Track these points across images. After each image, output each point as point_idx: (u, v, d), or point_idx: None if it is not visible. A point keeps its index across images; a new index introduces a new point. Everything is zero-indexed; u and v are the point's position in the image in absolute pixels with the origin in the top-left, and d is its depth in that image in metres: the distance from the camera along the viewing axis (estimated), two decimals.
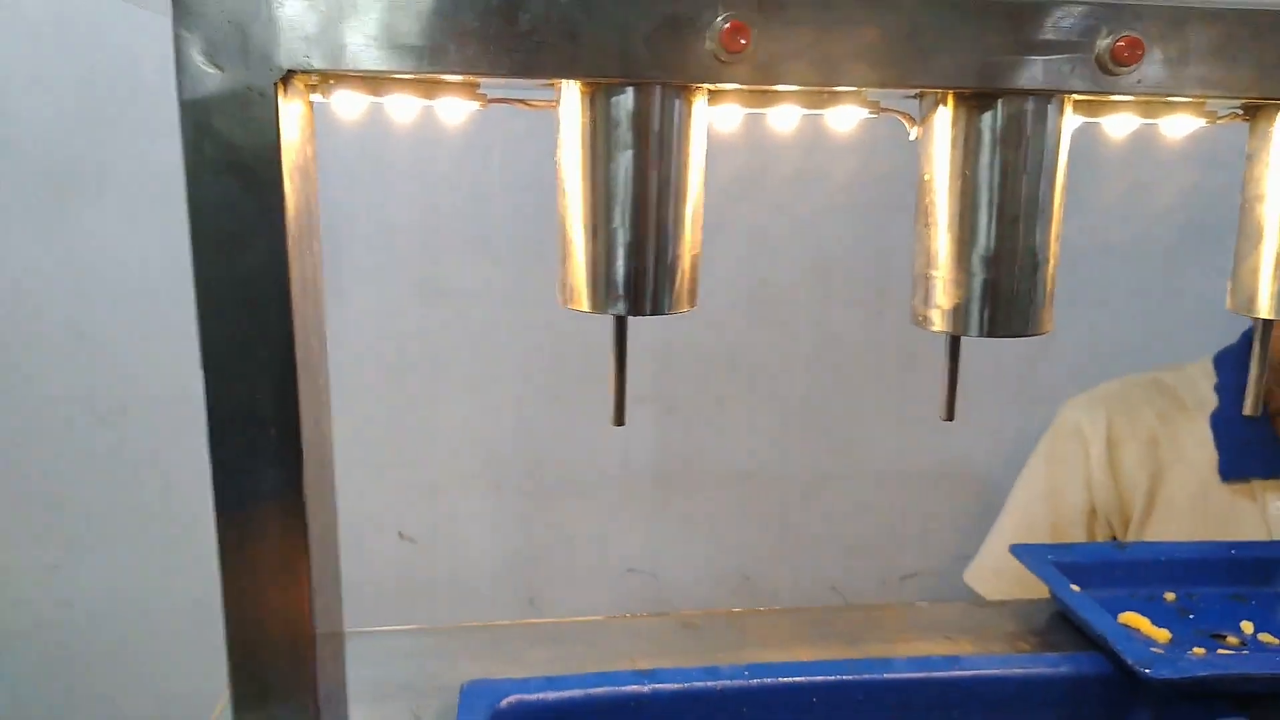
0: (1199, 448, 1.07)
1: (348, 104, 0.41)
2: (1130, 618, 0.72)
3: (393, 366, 1.31)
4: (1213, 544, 0.82)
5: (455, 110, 0.43)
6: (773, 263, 1.34)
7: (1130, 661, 0.63)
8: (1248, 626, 0.73)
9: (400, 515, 1.35)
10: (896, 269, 1.39)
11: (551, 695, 0.63)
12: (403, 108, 0.42)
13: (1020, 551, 0.79)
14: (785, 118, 0.44)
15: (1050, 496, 1.15)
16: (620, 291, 0.41)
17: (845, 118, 0.45)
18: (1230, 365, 1.11)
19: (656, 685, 0.64)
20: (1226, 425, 1.06)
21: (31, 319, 1.25)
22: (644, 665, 0.68)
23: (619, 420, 0.46)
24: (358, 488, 1.33)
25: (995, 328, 0.44)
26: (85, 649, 1.35)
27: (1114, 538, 1.12)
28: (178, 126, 0.40)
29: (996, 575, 1.16)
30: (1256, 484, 1.04)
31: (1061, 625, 0.75)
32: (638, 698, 0.64)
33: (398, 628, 0.73)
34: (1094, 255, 1.39)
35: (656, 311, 0.42)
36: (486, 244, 1.29)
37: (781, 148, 1.27)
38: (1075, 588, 0.73)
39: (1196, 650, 0.69)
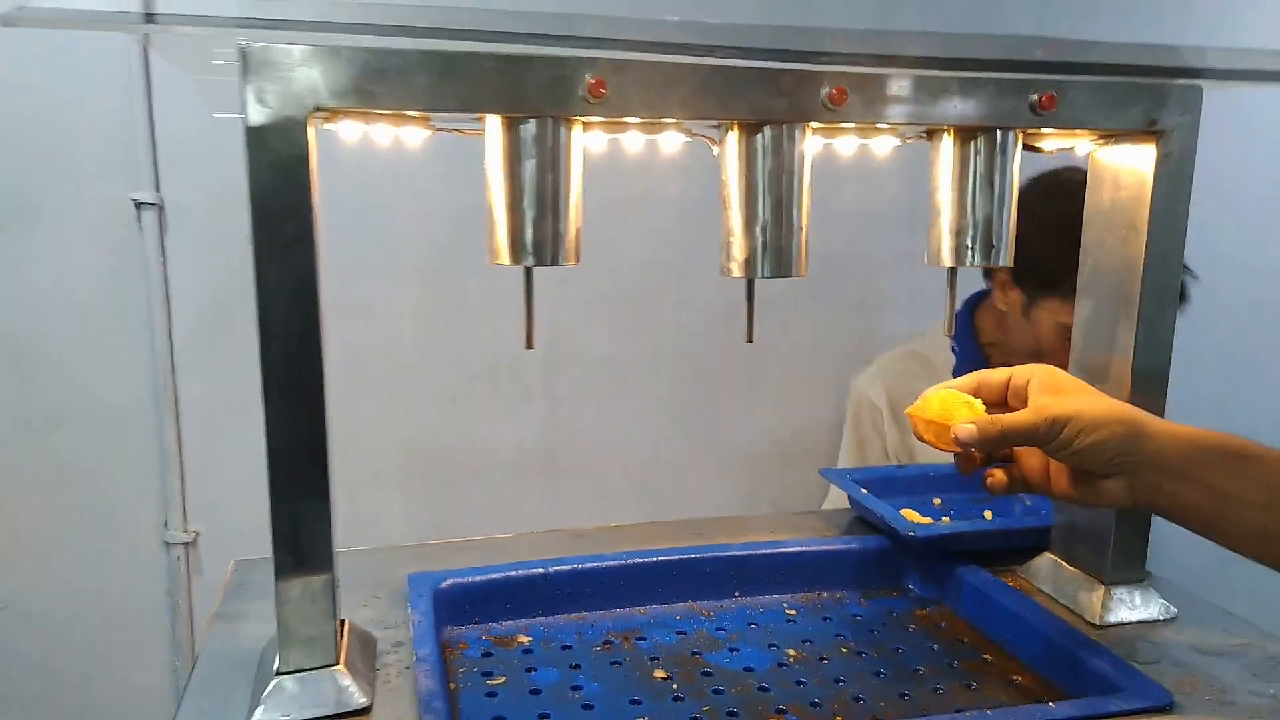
0: None
1: (348, 131, 0.63)
2: (906, 512, 0.97)
3: None
4: None
5: (413, 136, 0.65)
6: (635, 273, 1.59)
7: (901, 531, 0.88)
8: (988, 515, 1.00)
9: None
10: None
11: (480, 578, 0.84)
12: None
13: (828, 474, 1.04)
14: (633, 141, 0.68)
15: (861, 461, 1.41)
16: (530, 250, 0.64)
17: (672, 141, 0.69)
18: (960, 321, 1.32)
19: (556, 568, 0.85)
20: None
21: None
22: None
23: (530, 344, 0.68)
24: None
25: (769, 270, 0.68)
26: (18, 650, 1.45)
27: None
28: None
29: None
30: None
31: (858, 524, 1.00)
32: (543, 576, 0.85)
33: (351, 549, 0.91)
34: None
35: (555, 262, 0.64)
36: (395, 266, 1.49)
37: (634, 172, 1.53)
38: (865, 491, 0.98)
39: (944, 519, 0.96)
